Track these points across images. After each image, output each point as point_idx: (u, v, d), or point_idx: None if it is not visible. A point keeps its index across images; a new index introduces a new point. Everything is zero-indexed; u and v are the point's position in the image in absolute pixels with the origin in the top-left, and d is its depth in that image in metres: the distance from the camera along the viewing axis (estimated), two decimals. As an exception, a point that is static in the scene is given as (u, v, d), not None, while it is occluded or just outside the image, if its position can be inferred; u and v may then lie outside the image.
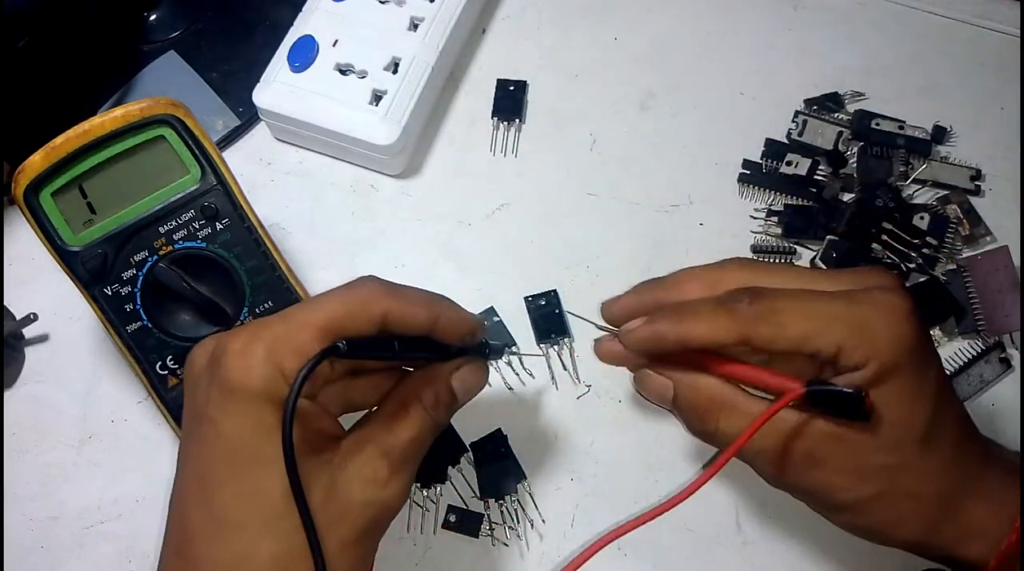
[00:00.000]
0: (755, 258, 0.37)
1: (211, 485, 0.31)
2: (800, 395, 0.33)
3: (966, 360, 0.47)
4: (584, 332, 0.48)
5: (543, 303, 0.49)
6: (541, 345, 0.48)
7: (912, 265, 0.49)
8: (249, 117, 0.54)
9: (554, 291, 0.50)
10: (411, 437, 0.35)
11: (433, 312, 0.35)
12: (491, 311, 0.49)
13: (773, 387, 0.34)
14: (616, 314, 0.38)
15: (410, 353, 0.36)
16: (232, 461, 0.31)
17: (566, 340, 0.48)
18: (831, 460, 0.35)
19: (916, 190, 0.51)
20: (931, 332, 0.48)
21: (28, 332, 0.49)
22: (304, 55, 0.51)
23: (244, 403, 0.31)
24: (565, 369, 0.48)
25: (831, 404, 0.33)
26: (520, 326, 0.49)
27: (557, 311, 0.49)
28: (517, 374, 0.48)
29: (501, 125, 0.54)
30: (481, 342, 0.39)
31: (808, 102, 0.54)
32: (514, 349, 0.48)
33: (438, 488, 0.46)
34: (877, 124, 0.52)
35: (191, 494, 0.32)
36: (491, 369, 0.41)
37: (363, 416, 0.36)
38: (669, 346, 0.36)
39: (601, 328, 0.40)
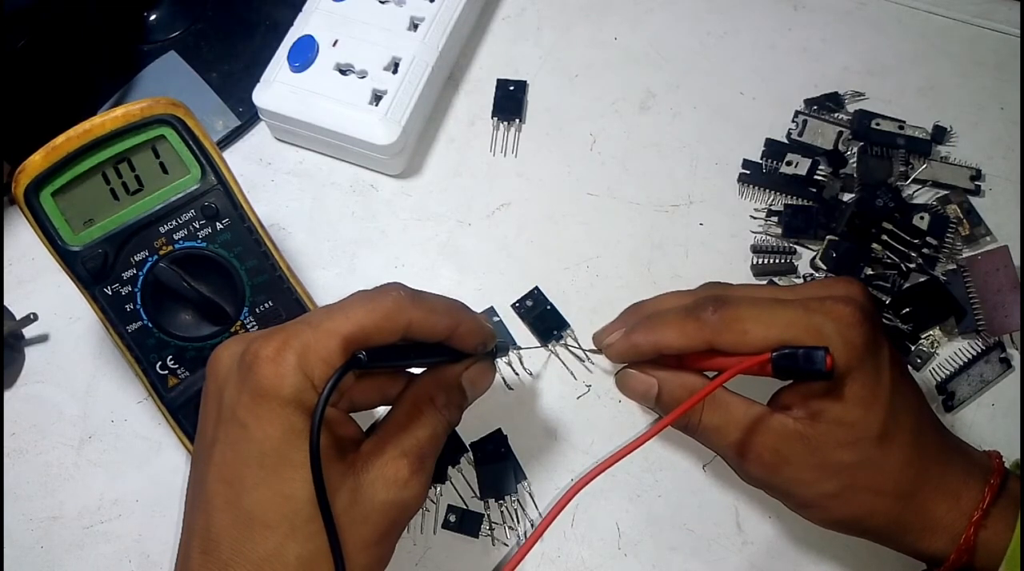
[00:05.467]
0: (728, 283, 0.42)
1: (240, 488, 0.32)
2: (767, 359, 0.36)
3: (966, 360, 0.47)
4: (583, 319, 0.48)
5: (530, 304, 0.49)
6: (549, 346, 0.48)
7: (912, 265, 0.49)
8: (249, 117, 0.54)
9: (536, 288, 0.49)
10: (428, 437, 0.36)
11: (454, 321, 0.36)
12: (491, 311, 0.49)
13: (748, 365, 0.36)
14: (605, 341, 0.43)
15: (424, 359, 0.37)
16: (261, 464, 0.32)
17: (568, 330, 0.48)
18: (795, 457, 0.37)
19: (916, 190, 0.51)
20: (931, 332, 0.48)
21: (28, 332, 0.49)
22: (304, 55, 0.51)
23: (275, 409, 0.31)
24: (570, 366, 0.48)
25: (797, 371, 0.36)
26: (519, 325, 0.49)
27: (548, 307, 0.49)
28: (517, 374, 0.48)
29: (501, 125, 0.54)
30: None
31: (808, 102, 0.54)
32: (516, 347, 0.48)
33: (438, 488, 0.46)
34: (877, 124, 0.52)
35: (218, 496, 0.32)
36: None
37: (377, 420, 0.37)
38: (646, 355, 0.40)
39: (590, 351, 0.44)
